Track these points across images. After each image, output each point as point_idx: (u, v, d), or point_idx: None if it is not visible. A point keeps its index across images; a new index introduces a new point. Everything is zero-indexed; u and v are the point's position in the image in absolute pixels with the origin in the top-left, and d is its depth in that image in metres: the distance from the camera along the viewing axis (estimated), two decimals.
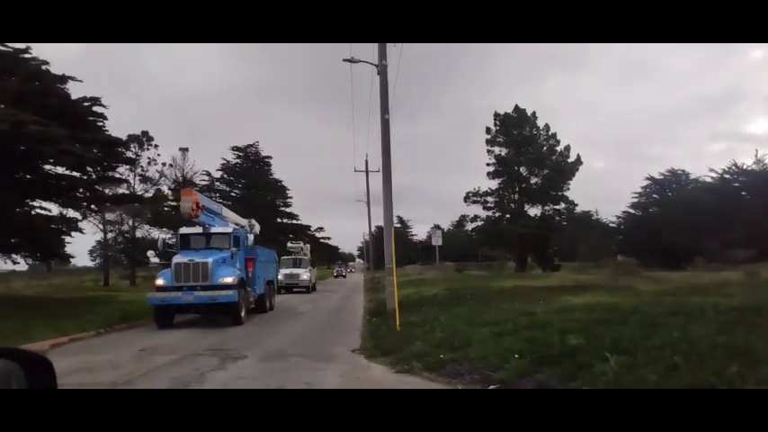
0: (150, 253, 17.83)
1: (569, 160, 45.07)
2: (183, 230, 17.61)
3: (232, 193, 53.68)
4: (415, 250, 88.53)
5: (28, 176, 19.40)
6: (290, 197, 57.53)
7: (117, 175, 21.42)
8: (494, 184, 47.14)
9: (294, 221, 59.08)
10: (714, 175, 44.12)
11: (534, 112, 45.73)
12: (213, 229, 17.31)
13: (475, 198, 47.63)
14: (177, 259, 16.05)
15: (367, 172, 45.33)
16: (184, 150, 46.84)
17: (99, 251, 64.05)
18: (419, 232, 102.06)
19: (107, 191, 20.02)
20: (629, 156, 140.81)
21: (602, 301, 14.08)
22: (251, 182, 53.65)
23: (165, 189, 45.72)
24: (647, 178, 51.32)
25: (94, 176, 19.44)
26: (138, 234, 51.36)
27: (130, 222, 50.31)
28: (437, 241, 16.35)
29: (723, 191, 42.13)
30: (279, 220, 55.92)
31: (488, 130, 46.40)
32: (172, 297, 15.45)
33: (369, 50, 49.17)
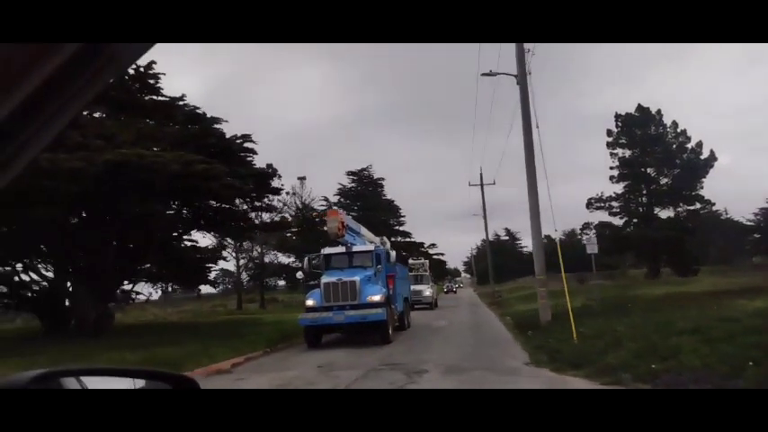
0: (299, 274, 18.06)
1: (702, 157, 41.81)
2: (327, 250, 17.91)
3: (349, 215, 55.36)
4: (525, 262, 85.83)
5: (184, 211, 21.15)
6: (403, 216, 58.31)
7: (266, 204, 22.74)
8: (618, 188, 44.76)
9: (408, 239, 59.70)
10: None
11: (659, 110, 43.11)
12: (356, 248, 17.45)
13: (599, 204, 45.49)
14: (326, 279, 16.11)
15: (482, 185, 44.91)
16: (302, 179, 49.43)
17: (222, 278, 68.66)
18: (528, 244, 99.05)
19: (257, 220, 21.17)
20: (757, 148, 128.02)
21: None
22: (366, 204, 55.06)
23: (288, 216, 48.13)
24: None
25: (246, 207, 20.81)
26: (266, 260, 54.65)
27: (259, 249, 53.57)
28: (593, 249, 15.61)
29: None
30: (393, 238, 56.81)
31: (609, 133, 44.30)
32: (323, 317, 15.47)
33: (471, 57, 48.90)
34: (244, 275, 55.07)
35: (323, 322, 15.53)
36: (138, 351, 13.65)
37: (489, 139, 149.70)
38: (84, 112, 18.37)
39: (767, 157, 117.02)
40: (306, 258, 18.35)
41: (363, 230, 20.11)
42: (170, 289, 61.54)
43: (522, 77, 15.63)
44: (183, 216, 19.19)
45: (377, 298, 15.78)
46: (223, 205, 19.90)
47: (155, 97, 22.37)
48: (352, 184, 56.51)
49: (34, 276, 22.86)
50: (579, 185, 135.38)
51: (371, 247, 17.84)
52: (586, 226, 48.72)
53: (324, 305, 15.61)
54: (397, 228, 58.41)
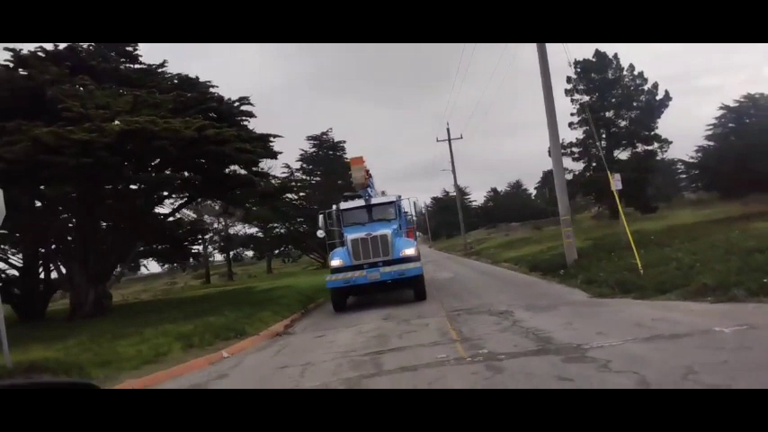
0: (320, 233, 16.35)
1: (658, 98, 43.43)
2: (345, 205, 16.50)
3: (312, 181, 54.53)
4: (475, 216, 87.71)
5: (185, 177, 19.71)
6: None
7: (262, 170, 21.86)
8: (579, 133, 46.00)
9: None
10: None
11: (616, 54, 44.24)
12: (375, 200, 16.19)
13: (562, 151, 46.69)
14: (352, 235, 14.60)
15: (450, 139, 45.15)
16: None
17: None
18: (477, 198, 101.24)
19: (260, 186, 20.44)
20: (685, 91, 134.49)
21: None
22: (328, 168, 54.32)
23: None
24: (721, 107, 49.04)
25: (245, 173, 19.98)
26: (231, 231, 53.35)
27: (223, 221, 52.20)
28: (618, 185, 16.06)
29: None
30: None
31: (569, 80, 45.11)
32: (356, 277, 13.90)
33: None
34: (210, 249, 53.73)
35: (356, 282, 13.97)
36: (181, 323, 13.15)
37: (451, 97, 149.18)
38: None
39: (691, 98, 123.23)
40: (321, 216, 16.35)
41: (372, 181, 18.75)
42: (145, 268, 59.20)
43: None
44: (196, 183, 18.17)
45: (411, 251, 14.48)
46: (234, 170, 19.04)
47: (134, 66, 21.00)
48: (313, 149, 55.43)
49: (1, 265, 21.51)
50: (531, 137, 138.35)
51: (393, 198, 16.37)
52: (549, 174, 49.91)
53: (353, 263, 14.16)
54: (346, 194, 57.90)
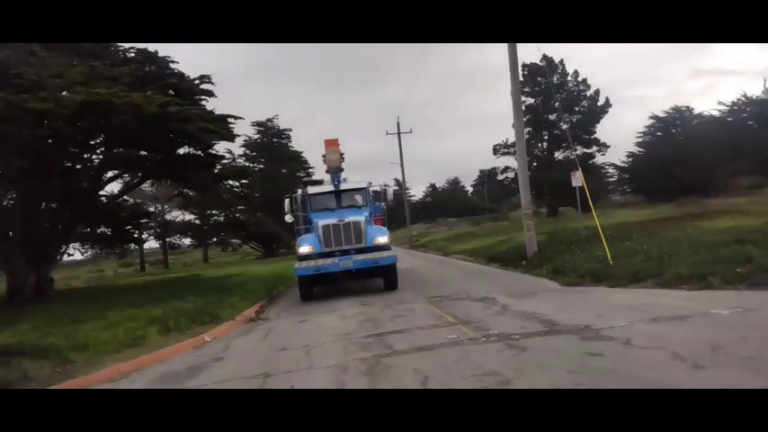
0: (288, 217, 15.54)
1: (599, 104, 45.68)
2: (312, 189, 16.15)
3: (256, 168, 53.40)
4: (413, 211, 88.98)
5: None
6: (312, 167, 57.31)
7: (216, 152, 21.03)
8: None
9: None
10: (723, 108, 45.18)
11: (562, 60, 46.04)
12: (344, 186, 15.58)
13: (505, 150, 48.14)
14: (323, 221, 13.98)
15: (399, 133, 45.44)
16: None
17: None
18: (416, 193, 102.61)
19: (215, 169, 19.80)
20: (615, 100, 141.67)
21: (749, 223, 14.75)
22: (273, 155, 53.40)
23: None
24: (651, 117, 52.41)
25: (202, 154, 19.25)
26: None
27: (159, 206, 50.15)
28: (577, 182, 16.71)
29: (733, 122, 43.36)
30: (300, 190, 55.94)
31: None
32: (327, 265, 13.26)
33: None
34: (145, 235, 51.46)
35: (327, 270, 13.30)
36: (146, 307, 12.53)
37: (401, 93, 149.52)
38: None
39: (619, 108, 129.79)
40: (288, 200, 15.55)
41: None
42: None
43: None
44: (152, 163, 17.29)
45: (384, 240, 14.08)
46: (191, 151, 18.25)
47: None
48: (258, 136, 54.20)
49: None
50: (474, 134, 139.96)
51: (364, 185, 15.86)
52: (494, 171, 51.36)
53: (324, 251, 13.62)
54: (305, 179, 57.36)
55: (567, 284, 12.01)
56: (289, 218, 15.44)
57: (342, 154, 15.52)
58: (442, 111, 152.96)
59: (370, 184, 16.19)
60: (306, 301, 13.86)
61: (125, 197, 27.52)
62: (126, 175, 20.30)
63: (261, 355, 7.86)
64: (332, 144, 15.46)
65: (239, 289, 16.43)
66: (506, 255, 19.24)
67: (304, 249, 13.87)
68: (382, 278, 14.30)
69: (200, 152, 18.28)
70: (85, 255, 52.58)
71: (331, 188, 15.57)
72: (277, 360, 7.34)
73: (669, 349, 5.30)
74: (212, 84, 19.05)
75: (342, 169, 15.48)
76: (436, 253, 31.94)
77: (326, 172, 15.83)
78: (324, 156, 15.55)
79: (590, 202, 14.03)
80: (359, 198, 15.57)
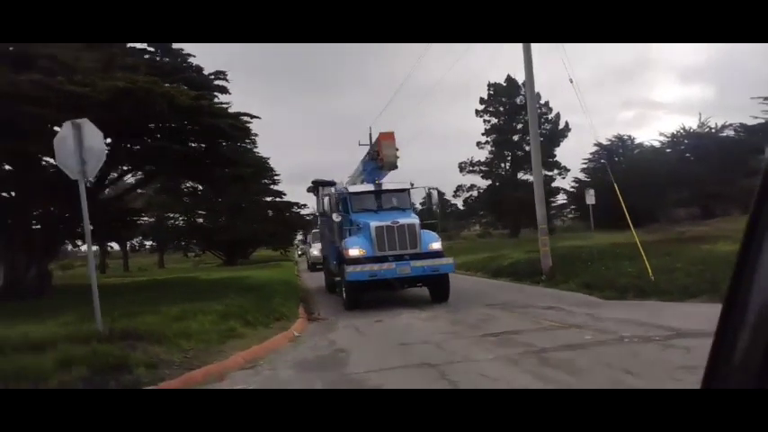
0: (336, 216, 13.91)
1: (559, 128, 47.90)
2: (354, 188, 15.15)
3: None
4: None
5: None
6: (278, 174, 56.54)
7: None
8: (488, 153, 49.23)
9: (278, 199, 58.11)
10: (663, 139, 48.44)
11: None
12: (388, 185, 14.46)
13: (471, 168, 49.53)
14: (375, 222, 12.83)
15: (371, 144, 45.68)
16: None
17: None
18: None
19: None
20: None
21: None
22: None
23: None
24: (596, 144, 55.17)
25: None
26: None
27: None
28: (591, 200, 17.58)
29: (671, 153, 46.63)
30: (266, 198, 55.07)
31: (482, 100, 48.19)
32: (384, 270, 12.15)
33: None
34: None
35: (383, 276, 12.13)
36: (199, 303, 12.01)
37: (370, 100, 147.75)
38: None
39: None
40: (327, 198, 14.46)
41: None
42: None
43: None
44: (177, 159, 16.71)
45: (439, 246, 13.21)
46: (225, 144, 17.90)
47: None
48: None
49: None
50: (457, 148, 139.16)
51: (407, 185, 14.66)
52: (460, 188, 52.55)
53: (377, 254, 12.49)
54: (271, 186, 56.49)
55: (607, 298, 11.98)
56: (336, 217, 14.11)
57: (397, 149, 14.61)
58: (416, 122, 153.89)
59: (412, 185, 14.95)
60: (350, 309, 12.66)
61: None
62: (137, 171, 19.50)
63: (385, 349, 7.87)
64: (388, 137, 14.50)
65: (273, 291, 15.38)
66: (515, 269, 19.33)
67: (354, 252, 12.62)
68: (432, 287, 13.26)
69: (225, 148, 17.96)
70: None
71: (370, 187, 14.53)
72: (415, 352, 7.39)
73: None
74: (227, 80, 18.81)
75: (397, 166, 14.71)
76: None
77: (381, 168, 14.94)
78: (376, 151, 14.87)
79: (628, 219, 14.57)
80: (404, 199, 14.40)
